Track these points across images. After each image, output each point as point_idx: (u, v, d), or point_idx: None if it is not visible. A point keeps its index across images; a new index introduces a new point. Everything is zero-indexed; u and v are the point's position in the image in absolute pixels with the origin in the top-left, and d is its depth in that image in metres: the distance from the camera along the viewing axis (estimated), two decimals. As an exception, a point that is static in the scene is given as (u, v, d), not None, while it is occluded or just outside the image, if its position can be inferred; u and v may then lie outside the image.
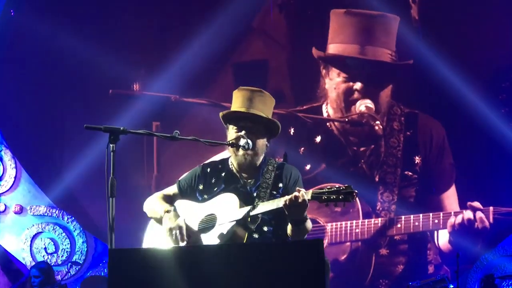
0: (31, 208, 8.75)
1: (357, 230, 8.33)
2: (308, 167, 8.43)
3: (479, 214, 8.09)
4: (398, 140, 8.49)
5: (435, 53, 8.19)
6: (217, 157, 4.70)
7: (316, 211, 8.15)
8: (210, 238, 4.13)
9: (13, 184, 8.77)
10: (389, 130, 8.51)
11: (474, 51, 8.32)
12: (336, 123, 8.63)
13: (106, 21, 8.69)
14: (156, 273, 3.33)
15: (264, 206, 4.04)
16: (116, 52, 8.34)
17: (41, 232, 8.74)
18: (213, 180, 4.34)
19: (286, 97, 8.74)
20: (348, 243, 8.38)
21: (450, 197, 8.36)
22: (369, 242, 8.35)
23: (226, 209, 4.13)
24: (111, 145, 3.75)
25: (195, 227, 4.21)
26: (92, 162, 8.04)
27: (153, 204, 4.38)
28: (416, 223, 8.22)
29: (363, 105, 8.54)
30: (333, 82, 8.64)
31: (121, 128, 3.81)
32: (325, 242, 8.26)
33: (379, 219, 8.34)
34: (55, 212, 8.75)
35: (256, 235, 4.11)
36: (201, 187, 4.36)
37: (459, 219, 8.14)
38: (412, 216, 8.24)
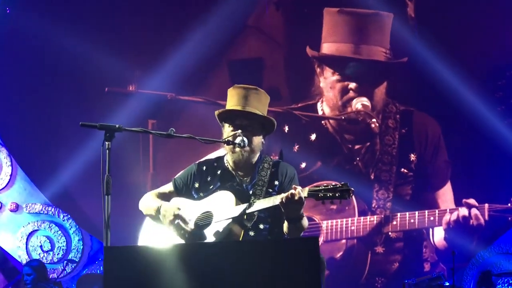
0: (27, 206, 8.74)
1: (352, 228, 8.34)
2: (303, 165, 8.44)
3: (474, 211, 8.11)
4: (394, 138, 8.50)
5: (431, 50, 8.20)
6: (212, 155, 4.69)
7: (312, 209, 8.16)
8: (206, 236, 4.13)
9: (8, 182, 8.76)
10: (384, 128, 8.52)
11: (470, 49, 8.33)
12: (331, 121, 8.63)
13: (101, 19, 8.67)
14: (151, 270, 3.33)
15: (261, 204, 4.03)
16: (112, 50, 8.33)
17: (37, 230, 8.73)
18: (208, 178, 4.34)
19: (282, 95, 8.74)
20: (344, 241, 8.39)
21: (446, 194, 8.38)
22: (365, 240, 8.36)
23: (222, 207, 4.12)
24: (106, 143, 3.75)
25: (191, 224, 4.21)
26: (88, 160, 8.04)
27: (148, 202, 4.37)
28: (412, 221, 8.23)
29: (359, 103, 8.55)
30: (328, 80, 8.64)
31: (117, 126, 3.80)
32: (321, 239, 8.27)
33: (375, 216, 8.35)
34: (51, 210, 8.74)
35: (252, 233, 4.11)
36: (197, 185, 4.35)
37: (454, 216, 8.16)
38: (407, 213, 8.25)
